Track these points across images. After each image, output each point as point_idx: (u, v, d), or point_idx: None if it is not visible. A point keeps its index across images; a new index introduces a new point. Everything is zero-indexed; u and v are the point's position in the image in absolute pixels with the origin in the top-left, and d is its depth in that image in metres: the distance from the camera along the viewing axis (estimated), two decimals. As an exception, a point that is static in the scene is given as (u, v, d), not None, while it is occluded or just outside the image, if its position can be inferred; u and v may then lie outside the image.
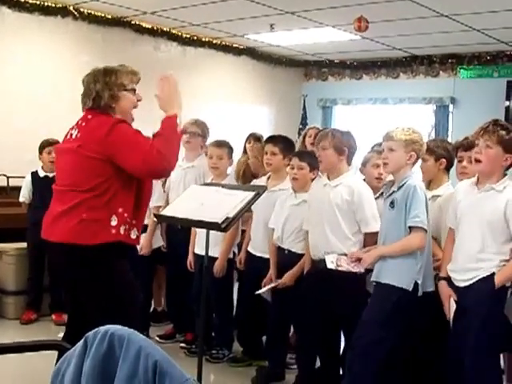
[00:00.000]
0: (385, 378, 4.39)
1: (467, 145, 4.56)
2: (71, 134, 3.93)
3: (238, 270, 6.13)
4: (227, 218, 4.12)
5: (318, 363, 5.26)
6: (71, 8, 9.08)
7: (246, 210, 4.40)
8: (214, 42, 11.21)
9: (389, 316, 4.28)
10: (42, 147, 6.96)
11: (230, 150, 5.99)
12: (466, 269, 4.06)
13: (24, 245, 7.05)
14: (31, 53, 8.84)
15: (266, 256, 5.54)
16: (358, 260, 4.50)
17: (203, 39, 11.02)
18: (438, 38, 9.89)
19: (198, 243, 5.79)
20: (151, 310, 6.87)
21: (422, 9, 8.09)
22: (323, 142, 4.90)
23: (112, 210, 3.77)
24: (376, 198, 4.95)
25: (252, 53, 11.95)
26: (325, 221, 4.82)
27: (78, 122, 3.97)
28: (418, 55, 11.53)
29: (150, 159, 3.71)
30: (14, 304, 7.04)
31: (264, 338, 5.87)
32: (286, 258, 5.33)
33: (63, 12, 9.05)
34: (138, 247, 5.47)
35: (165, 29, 10.36)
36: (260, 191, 4.42)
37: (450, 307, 4.13)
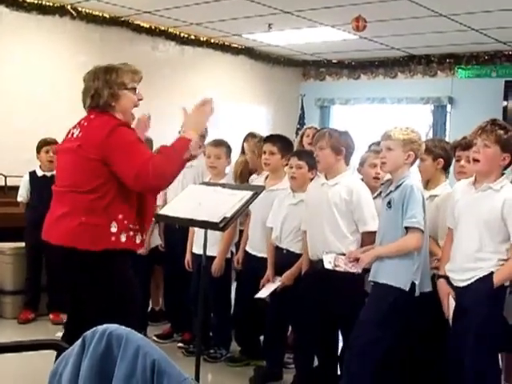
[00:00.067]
0: (382, 377, 4.39)
1: (465, 144, 4.56)
2: (72, 133, 3.89)
3: (236, 269, 6.12)
4: (225, 218, 4.13)
5: (315, 363, 5.27)
6: (69, 7, 9.07)
7: (244, 209, 4.40)
8: (212, 41, 11.21)
9: (386, 316, 4.28)
10: (39, 146, 6.95)
11: (229, 149, 5.98)
12: (464, 268, 4.06)
13: (22, 244, 7.05)
14: (29, 52, 8.83)
15: (264, 255, 5.54)
16: (356, 260, 4.50)
17: (201, 39, 11.01)
18: (435, 38, 9.89)
19: (196, 242, 5.79)
20: (149, 309, 6.86)
21: (420, 8, 8.09)
22: (321, 141, 4.91)
23: (111, 215, 3.72)
24: (374, 198, 4.96)
25: (250, 52, 11.94)
26: (323, 220, 4.83)
27: (80, 121, 3.93)
28: (415, 55, 11.53)
29: (144, 173, 3.63)
30: (11, 304, 7.04)
31: (262, 337, 5.87)
32: (285, 258, 5.34)
33: (61, 11, 9.04)
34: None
35: (163, 28, 10.35)
36: (258, 191, 4.42)
37: (449, 305, 4.13)
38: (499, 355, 4.39)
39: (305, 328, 5.10)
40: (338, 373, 5.04)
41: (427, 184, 4.85)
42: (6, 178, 8.35)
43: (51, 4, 8.90)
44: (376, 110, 12.22)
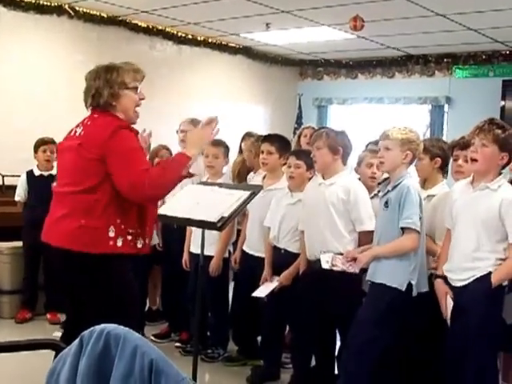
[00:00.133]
0: (379, 377, 4.40)
1: (463, 144, 4.56)
2: (75, 132, 3.87)
3: (234, 269, 6.12)
4: (223, 217, 4.12)
5: (312, 362, 5.27)
6: (66, 7, 9.06)
7: (242, 209, 4.40)
8: (210, 40, 11.20)
9: (382, 315, 4.29)
10: (37, 146, 6.95)
11: (226, 149, 5.98)
12: (462, 268, 4.06)
13: (19, 244, 7.05)
14: (27, 52, 8.81)
15: (262, 255, 5.54)
16: (354, 260, 4.51)
17: (198, 38, 11.00)
18: (433, 38, 9.88)
19: (194, 242, 5.80)
20: (146, 309, 6.86)
21: (417, 8, 8.09)
22: (318, 141, 4.92)
23: (110, 219, 3.71)
24: (371, 198, 4.96)
25: (247, 52, 11.93)
26: (320, 220, 4.84)
27: (84, 119, 3.92)
28: (413, 54, 11.53)
29: (139, 183, 3.62)
30: (9, 303, 7.04)
31: (259, 337, 5.87)
32: (282, 258, 5.34)
33: (59, 11, 9.02)
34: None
35: (160, 27, 10.34)
36: (256, 191, 4.42)
37: (447, 305, 4.13)
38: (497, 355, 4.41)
39: (302, 328, 5.10)
40: (336, 372, 5.04)
41: (424, 183, 4.85)
42: (3, 177, 8.35)
43: (49, 3, 8.88)
44: (374, 109, 12.22)
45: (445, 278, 4.19)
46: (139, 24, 10.05)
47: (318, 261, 4.68)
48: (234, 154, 6.89)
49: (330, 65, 12.82)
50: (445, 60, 11.34)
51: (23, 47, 8.75)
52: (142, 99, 3.98)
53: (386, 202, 4.39)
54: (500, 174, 4.08)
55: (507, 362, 4.76)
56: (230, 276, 6.21)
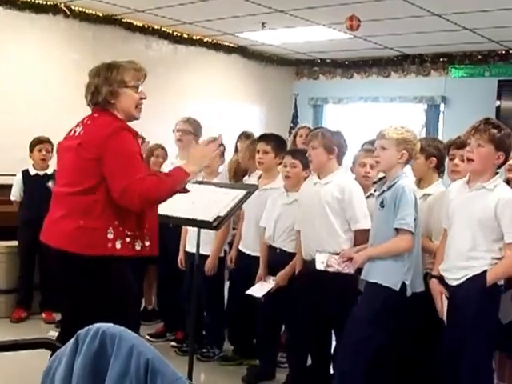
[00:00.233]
0: (374, 376, 4.40)
1: (460, 143, 4.56)
2: (75, 131, 3.84)
3: (229, 268, 6.12)
4: (218, 217, 4.13)
5: (308, 362, 5.27)
6: (62, 6, 9.04)
7: (238, 208, 4.40)
8: (205, 40, 11.18)
9: (377, 314, 4.30)
10: (32, 145, 6.94)
11: (222, 148, 5.98)
12: (457, 267, 4.06)
13: (15, 243, 7.05)
14: (22, 51, 8.78)
15: (257, 254, 5.54)
16: (350, 259, 4.51)
17: (194, 37, 10.99)
18: (429, 37, 9.88)
19: (189, 241, 5.80)
20: (141, 308, 6.85)
21: (413, 8, 8.09)
22: (313, 141, 4.93)
23: (108, 220, 3.67)
24: (367, 197, 4.97)
25: (243, 51, 11.92)
26: (316, 219, 4.84)
27: (84, 119, 3.88)
28: (409, 54, 11.53)
29: (129, 191, 3.57)
30: (4, 302, 7.03)
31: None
32: (278, 257, 5.34)
33: (54, 10, 9.00)
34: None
35: (156, 27, 10.33)
36: (251, 190, 4.43)
37: (443, 304, 4.13)
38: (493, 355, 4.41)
39: (298, 327, 5.11)
40: (331, 372, 5.05)
41: (420, 183, 4.86)
42: (-2, 176, 8.34)
43: (44, 2, 8.86)
44: (369, 109, 12.21)
45: (440, 278, 4.19)
46: (135, 23, 10.03)
47: (314, 261, 4.69)
48: (229, 154, 6.90)
49: (325, 64, 12.81)
50: (440, 60, 11.33)
51: (18, 46, 8.72)
52: (143, 98, 3.92)
53: (382, 202, 4.39)
54: (496, 173, 4.08)
55: (502, 361, 4.77)
56: (226, 275, 6.20)
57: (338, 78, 12.74)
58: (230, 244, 6.03)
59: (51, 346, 2.42)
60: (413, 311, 4.30)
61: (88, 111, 3.94)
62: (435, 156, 4.80)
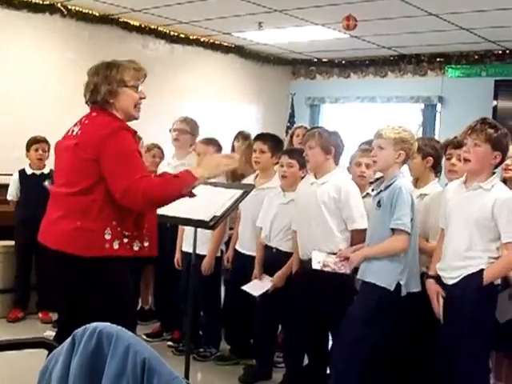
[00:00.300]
0: (369, 376, 4.40)
1: (457, 142, 4.56)
2: (72, 131, 3.81)
3: (226, 268, 6.12)
4: (215, 216, 4.12)
5: (305, 361, 5.27)
6: (59, 5, 9.03)
7: (234, 208, 4.40)
8: (202, 39, 11.17)
9: (372, 314, 4.31)
10: (29, 144, 6.93)
11: (219, 147, 5.98)
12: (453, 267, 4.07)
13: (11, 243, 7.04)
14: (18, 50, 8.78)
15: (254, 254, 5.55)
16: (346, 259, 4.51)
17: (191, 37, 10.98)
18: (426, 37, 9.89)
19: (186, 241, 5.79)
20: (138, 308, 6.85)
21: (410, 8, 8.09)
22: (310, 141, 4.94)
23: (106, 221, 3.64)
24: (364, 197, 4.97)
25: (240, 51, 11.92)
26: (312, 219, 4.85)
27: (81, 118, 3.86)
28: (406, 54, 11.53)
29: (132, 191, 3.52)
30: (0, 302, 7.02)
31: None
32: (274, 257, 5.34)
33: (51, 9, 8.99)
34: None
35: (153, 26, 10.32)
36: (248, 189, 4.42)
37: (439, 304, 4.14)
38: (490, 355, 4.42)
39: (295, 327, 5.11)
40: (328, 372, 5.05)
41: (416, 182, 4.87)
42: (-5, 175, 8.33)
43: (41, 2, 8.86)
44: (366, 108, 12.21)
45: (437, 278, 4.19)
46: (132, 23, 10.02)
47: (310, 260, 4.69)
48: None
49: (322, 64, 12.81)
50: (437, 59, 11.33)
51: (16, 46, 8.71)
52: (143, 98, 3.90)
53: (379, 202, 4.40)
54: (493, 173, 4.09)
55: (499, 360, 4.78)
56: (222, 275, 6.20)
57: (335, 78, 12.74)
58: (227, 244, 6.03)
59: (48, 345, 2.42)
60: (408, 311, 4.30)
61: (86, 111, 3.92)
62: (432, 156, 4.80)
